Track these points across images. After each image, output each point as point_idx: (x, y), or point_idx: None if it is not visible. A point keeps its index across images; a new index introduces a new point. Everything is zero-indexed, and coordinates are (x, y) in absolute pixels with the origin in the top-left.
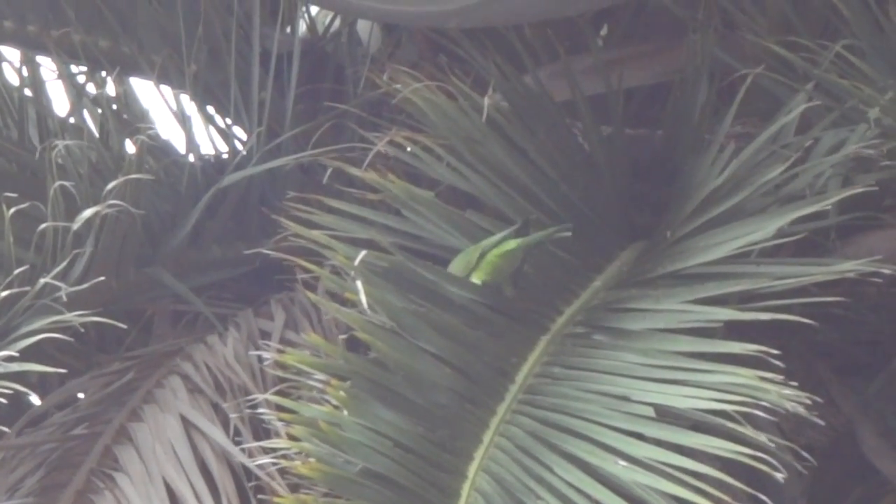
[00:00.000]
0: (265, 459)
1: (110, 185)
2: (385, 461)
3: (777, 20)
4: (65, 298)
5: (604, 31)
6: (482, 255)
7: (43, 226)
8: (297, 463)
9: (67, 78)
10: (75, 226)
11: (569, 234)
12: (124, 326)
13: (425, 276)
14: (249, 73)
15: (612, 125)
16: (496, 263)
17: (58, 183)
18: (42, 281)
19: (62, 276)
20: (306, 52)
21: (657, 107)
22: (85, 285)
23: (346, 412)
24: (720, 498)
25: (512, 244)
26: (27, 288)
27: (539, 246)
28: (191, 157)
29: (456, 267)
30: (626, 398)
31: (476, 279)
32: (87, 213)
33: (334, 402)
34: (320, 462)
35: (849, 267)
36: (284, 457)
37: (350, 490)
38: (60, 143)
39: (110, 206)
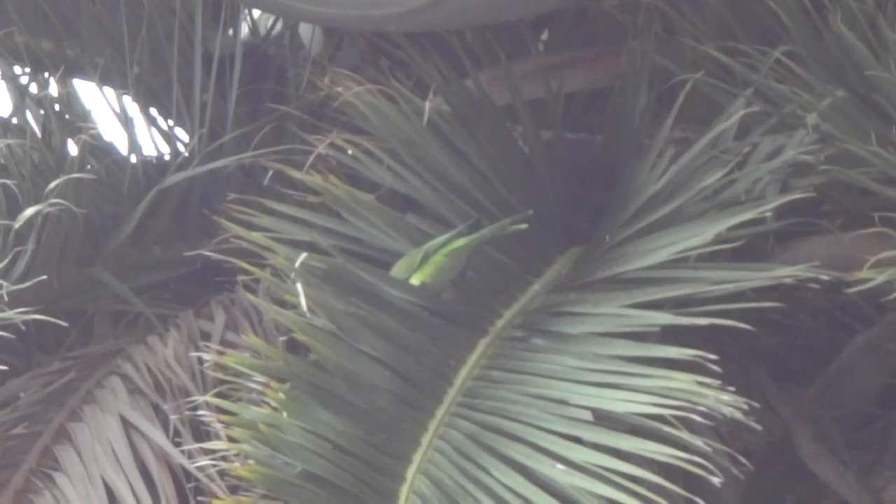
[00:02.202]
0: (205, 461)
1: (52, 185)
2: (323, 463)
3: (717, 26)
4: (6, 298)
5: (544, 36)
6: (425, 257)
7: None
8: (236, 465)
9: (10, 79)
10: (17, 224)
11: (524, 226)
12: (65, 325)
13: (365, 278)
14: (191, 75)
15: (553, 129)
16: (441, 263)
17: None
18: None
19: (3, 274)
20: (248, 54)
21: (597, 111)
22: (26, 284)
23: (285, 414)
24: (657, 502)
25: (459, 242)
26: None
27: (480, 247)
28: (133, 158)
29: (398, 270)
30: (563, 402)
31: (417, 280)
32: (29, 211)
33: (273, 403)
34: (259, 464)
35: (787, 273)
36: (224, 458)
37: (288, 492)
38: (2, 143)
39: (52, 205)
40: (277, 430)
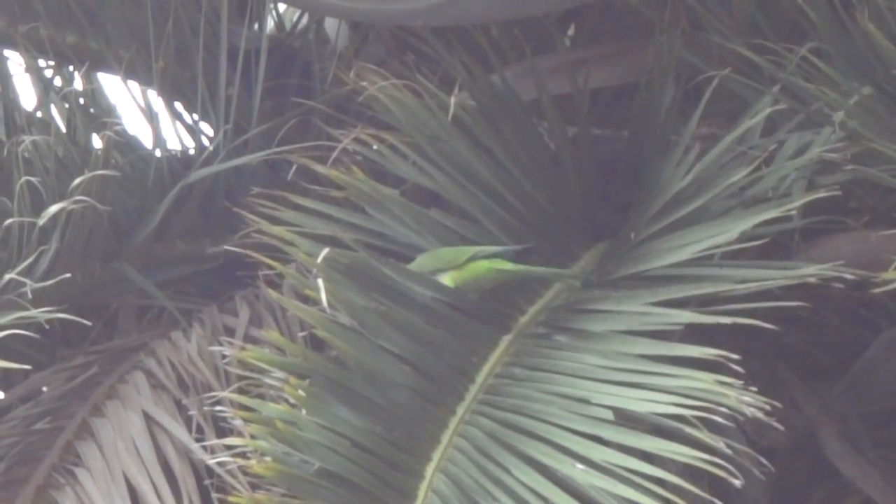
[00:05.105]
0: (225, 457)
1: (76, 181)
2: (342, 461)
3: (744, 22)
4: (30, 295)
5: (571, 31)
6: (472, 258)
7: (8, 221)
8: (254, 462)
9: (35, 72)
10: (41, 221)
11: (577, 283)
12: (89, 323)
13: (387, 273)
14: (217, 70)
15: (578, 125)
16: (480, 274)
17: (24, 178)
18: (7, 276)
19: (27, 271)
20: (274, 48)
21: (623, 107)
22: (50, 282)
23: (303, 411)
24: (678, 503)
25: (508, 266)
26: None
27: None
28: (157, 153)
29: (440, 256)
30: (585, 400)
31: (452, 278)
32: (53, 208)
33: (292, 400)
34: (276, 461)
35: (812, 271)
36: (243, 455)
37: (306, 490)
38: (27, 139)
39: (76, 202)
40: (295, 427)
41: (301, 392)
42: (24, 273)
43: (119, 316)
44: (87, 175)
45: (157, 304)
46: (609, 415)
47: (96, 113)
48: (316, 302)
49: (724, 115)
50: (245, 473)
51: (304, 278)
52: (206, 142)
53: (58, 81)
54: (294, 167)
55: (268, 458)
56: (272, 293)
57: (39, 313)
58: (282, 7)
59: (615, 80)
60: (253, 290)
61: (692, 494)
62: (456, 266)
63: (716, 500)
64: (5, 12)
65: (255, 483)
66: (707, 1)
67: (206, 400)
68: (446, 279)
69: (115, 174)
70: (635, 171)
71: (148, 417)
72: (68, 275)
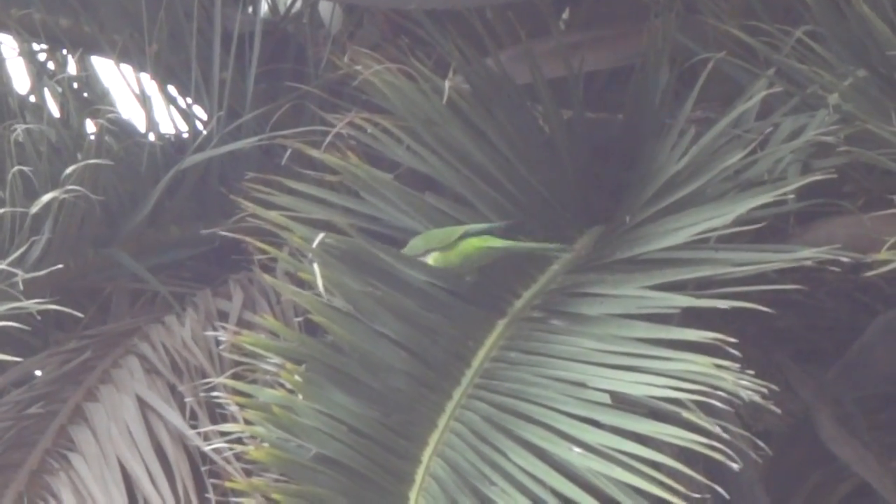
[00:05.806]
0: (220, 443)
1: (69, 169)
2: (339, 446)
3: (739, 4)
4: (21, 286)
5: (565, 15)
6: (464, 236)
7: (1, 211)
8: (250, 447)
9: (28, 57)
10: (33, 210)
11: (567, 253)
12: (81, 315)
13: (383, 258)
14: (210, 54)
15: (573, 109)
16: (470, 254)
17: (16, 168)
18: None
19: (20, 259)
20: (267, 32)
21: (618, 91)
22: (42, 272)
23: (300, 396)
24: (674, 486)
25: (498, 243)
26: None
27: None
28: (151, 137)
29: (432, 237)
30: (582, 384)
31: (440, 259)
32: (46, 197)
33: (288, 385)
34: (273, 447)
35: (807, 255)
36: (239, 441)
37: (303, 475)
38: (20, 127)
39: (69, 191)
40: (292, 413)
41: (297, 377)
42: (16, 261)
43: (112, 300)
44: (80, 164)
45: (151, 289)
46: (605, 398)
47: (90, 97)
48: (311, 286)
49: (719, 98)
50: (239, 459)
51: (298, 262)
52: (199, 126)
53: (51, 66)
54: (288, 152)
55: (265, 444)
56: (267, 278)
57: (32, 304)
58: None
59: (610, 64)
60: (247, 273)
61: (688, 477)
62: (446, 246)
63: (711, 483)
64: None
65: (249, 469)
66: None
67: (200, 385)
68: (433, 259)
69: (107, 163)
70: (630, 154)
71: (141, 402)
72: (60, 265)
